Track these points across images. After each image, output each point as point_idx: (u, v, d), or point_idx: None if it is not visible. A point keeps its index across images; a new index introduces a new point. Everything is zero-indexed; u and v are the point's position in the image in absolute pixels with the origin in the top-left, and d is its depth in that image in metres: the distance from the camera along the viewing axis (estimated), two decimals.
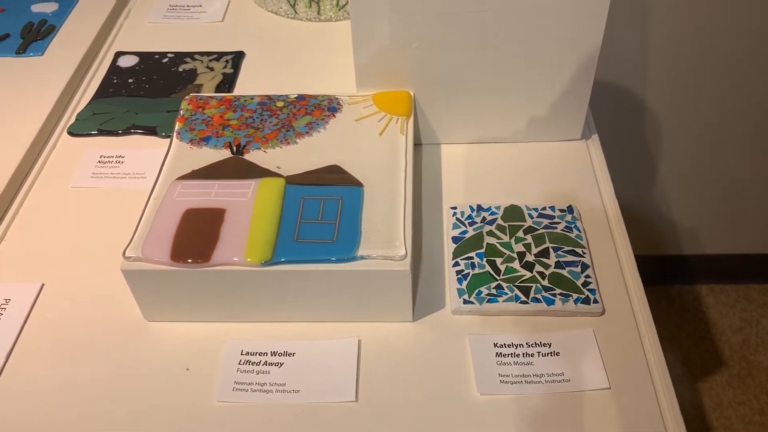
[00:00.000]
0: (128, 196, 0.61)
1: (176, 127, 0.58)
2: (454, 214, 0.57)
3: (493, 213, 0.57)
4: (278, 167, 0.54)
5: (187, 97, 0.61)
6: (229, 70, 0.74)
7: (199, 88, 0.72)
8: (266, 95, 0.60)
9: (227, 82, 0.72)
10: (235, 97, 0.60)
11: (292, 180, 0.52)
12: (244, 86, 0.72)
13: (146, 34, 0.81)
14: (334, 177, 0.52)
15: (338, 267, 0.47)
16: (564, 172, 0.62)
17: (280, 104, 0.59)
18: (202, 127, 0.57)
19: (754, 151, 1.33)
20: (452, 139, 0.64)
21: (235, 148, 0.55)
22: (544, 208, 0.57)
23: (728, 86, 1.22)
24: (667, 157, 1.35)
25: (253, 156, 0.55)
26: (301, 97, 0.60)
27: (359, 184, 0.52)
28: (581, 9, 0.55)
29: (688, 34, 1.13)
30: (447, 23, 0.56)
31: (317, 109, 0.59)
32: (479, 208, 0.57)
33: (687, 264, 1.59)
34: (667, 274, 1.62)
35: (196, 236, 0.48)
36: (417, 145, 0.65)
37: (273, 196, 0.51)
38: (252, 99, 0.60)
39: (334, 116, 0.58)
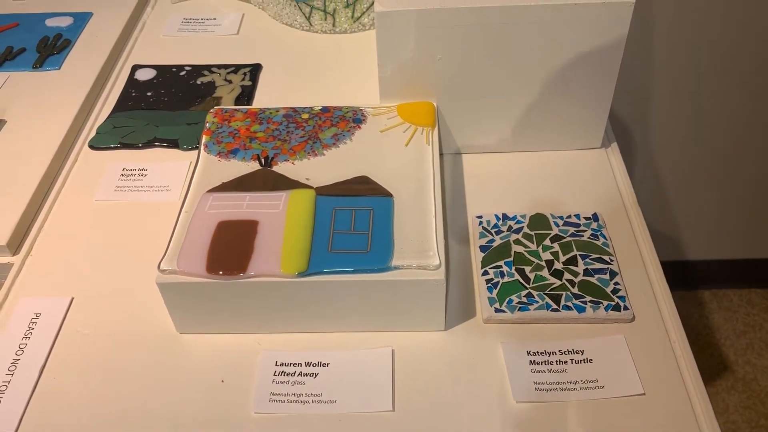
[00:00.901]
0: (153, 209, 0.61)
1: (203, 140, 0.58)
2: (480, 223, 0.58)
3: (518, 222, 0.57)
4: (307, 179, 0.54)
5: (212, 110, 0.61)
6: (247, 83, 0.75)
7: (218, 100, 0.72)
8: (291, 107, 0.61)
9: (246, 95, 0.73)
10: (260, 109, 0.61)
11: (322, 191, 0.53)
12: (263, 98, 0.73)
13: (162, 47, 0.81)
14: (363, 188, 0.53)
15: (374, 277, 0.47)
16: (586, 180, 0.62)
17: (305, 116, 0.60)
18: (229, 139, 0.58)
19: (757, 157, 1.35)
20: (474, 149, 0.65)
21: (263, 160, 0.56)
22: (569, 217, 0.58)
23: (739, 94, 1.24)
24: (671, 163, 1.37)
25: (282, 168, 0.55)
26: (325, 109, 0.60)
27: (389, 195, 0.52)
28: (603, 21, 0.55)
29: (701, 47, 1.14)
30: (470, 36, 0.56)
31: (342, 121, 0.59)
32: (504, 217, 0.58)
33: (689, 269, 1.60)
34: (669, 279, 1.63)
35: (231, 248, 0.49)
36: (440, 154, 0.65)
37: (305, 208, 0.51)
38: (277, 111, 0.60)
39: (359, 127, 0.59)
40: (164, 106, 0.72)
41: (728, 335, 1.55)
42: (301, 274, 0.47)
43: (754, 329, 1.55)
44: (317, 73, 0.76)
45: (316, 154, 0.56)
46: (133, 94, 0.74)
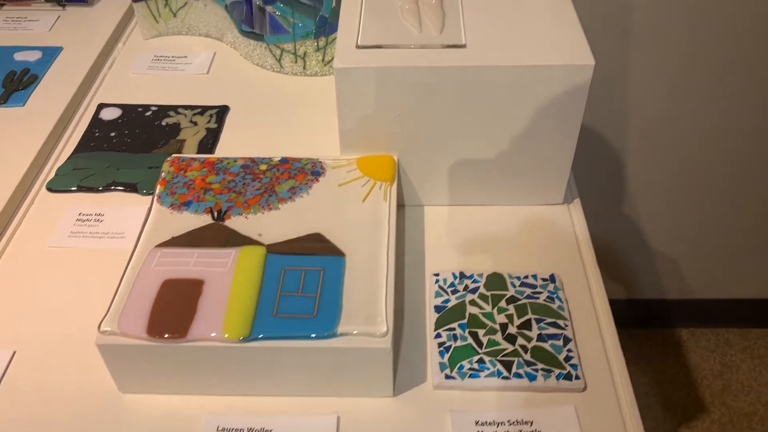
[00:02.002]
0: (106, 258, 0.60)
1: (157, 191, 0.57)
2: (437, 281, 0.57)
3: (475, 281, 0.57)
4: (260, 235, 0.53)
5: (169, 159, 0.60)
6: (213, 125, 0.74)
7: (182, 143, 0.71)
8: (249, 158, 0.60)
9: (211, 137, 0.72)
10: (218, 159, 0.60)
11: (273, 249, 0.52)
12: (227, 142, 0.72)
13: (130, 85, 0.81)
14: (315, 246, 0.52)
15: (318, 344, 0.46)
16: (546, 237, 0.62)
17: (263, 167, 0.59)
18: (183, 190, 0.57)
19: (734, 198, 1.35)
20: (436, 202, 0.64)
21: (216, 213, 0.55)
22: (526, 277, 0.57)
23: (710, 135, 1.24)
24: (649, 201, 1.37)
25: (235, 222, 0.54)
26: (284, 160, 0.60)
27: (341, 254, 0.52)
28: (563, 83, 0.55)
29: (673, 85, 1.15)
30: (430, 93, 0.56)
31: (300, 173, 0.58)
32: (462, 275, 0.57)
33: (668, 308, 1.60)
34: (648, 317, 1.62)
35: (174, 309, 0.48)
36: (400, 206, 0.65)
37: (253, 267, 0.50)
38: (235, 161, 0.60)
39: (317, 180, 0.58)
40: (127, 147, 0.71)
41: (705, 375, 1.54)
42: (244, 340, 0.46)
43: (731, 370, 1.55)
44: (285, 116, 0.76)
45: (270, 208, 0.55)
46: (97, 134, 0.73)
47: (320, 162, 0.60)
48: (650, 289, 1.56)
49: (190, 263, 0.51)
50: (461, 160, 0.61)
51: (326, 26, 0.77)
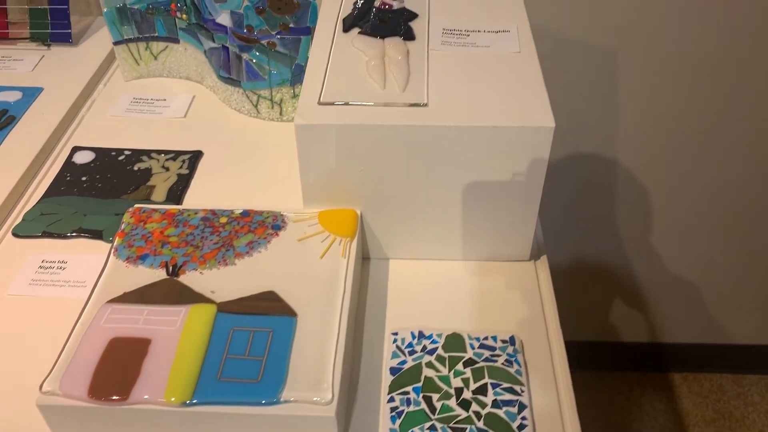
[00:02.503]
0: (64, 308, 0.59)
1: (115, 243, 0.57)
2: (395, 341, 0.56)
3: (434, 341, 0.56)
4: (213, 291, 0.53)
5: (130, 209, 0.60)
6: (184, 171, 0.74)
7: (151, 189, 0.71)
8: (211, 210, 0.60)
9: (181, 184, 0.72)
10: (179, 210, 0.60)
11: (224, 308, 0.51)
12: (197, 189, 0.72)
13: (107, 127, 0.81)
14: (267, 305, 0.51)
15: (260, 410, 0.45)
16: (510, 295, 0.61)
17: (223, 220, 0.59)
18: (141, 243, 0.57)
19: (726, 243, 1.34)
20: (400, 255, 0.64)
21: (171, 268, 0.54)
22: (486, 338, 0.56)
23: (702, 182, 1.24)
24: (643, 246, 1.36)
25: (189, 277, 0.54)
26: (245, 213, 0.59)
27: (293, 314, 0.51)
28: (524, 144, 0.55)
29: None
30: (391, 151, 0.56)
31: (261, 227, 0.58)
32: (421, 335, 0.56)
33: (660, 351, 1.58)
34: (641, 361, 1.60)
35: (118, 369, 0.47)
36: (366, 258, 0.64)
37: (202, 327, 0.49)
38: (196, 214, 0.59)
39: (277, 235, 0.58)
40: (96, 192, 0.71)
41: (697, 422, 1.51)
42: (185, 404, 0.45)
43: (723, 417, 1.52)
44: (259, 162, 0.76)
45: (226, 264, 0.55)
46: (68, 178, 0.73)
47: (282, 215, 0.59)
48: (643, 332, 1.54)
49: (139, 321, 0.50)
50: (425, 216, 0.60)
51: (302, 74, 0.77)
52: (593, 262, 1.39)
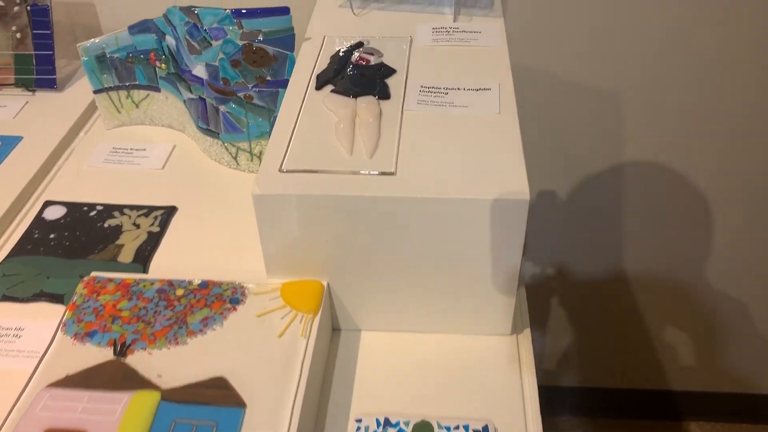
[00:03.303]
0: (15, 381, 0.56)
1: (64, 317, 0.54)
2: (358, 428, 0.52)
3: (401, 430, 0.51)
4: (159, 375, 0.49)
5: (85, 279, 0.57)
6: (155, 229, 0.71)
7: (119, 249, 0.68)
8: (168, 280, 0.57)
9: (150, 243, 0.69)
10: (135, 281, 0.57)
11: (169, 395, 0.48)
12: (165, 250, 0.68)
13: (82, 179, 0.78)
14: (215, 394, 0.48)
15: None
16: (488, 374, 0.56)
17: (179, 292, 0.55)
18: (91, 318, 0.53)
19: (741, 292, 1.28)
20: (372, 326, 0.60)
21: (118, 347, 0.51)
22: (457, 427, 0.51)
23: (711, 228, 1.18)
24: (655, 291, 1.30)
25: (137, 358, 0.50)
26: (203, 285, 0.56)
27: (241, 405, 0.47)
28: (497, 216, 0.51)
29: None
30: (356, 222, 0.52)
31: (218, 301, 0.55)
32: (387, 422, 0.52)
33: (676, 399, 1.51)
34: (655, 408, 1.53)
35: None
36: (336, 330, 0.60)
37: (142, 418, 0.46)
38: (152, 284, 0.56)
39: (235, 309, 0.54)
40: (63, 252, 0.68)
41: None
42: None
43: None
44: (233, 217, 0.72)
45: (178, 343, 0.51)
46: (36, 236, 0.70)
47: (242, 287, 0.56)
48: (657, 380, 1.48)
49: (77, 409, 0.47)
50: (396, 287, 0.56)
51: None
52: (601, 304, 1.34)
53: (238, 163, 0.78)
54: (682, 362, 1.43)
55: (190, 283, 0.56)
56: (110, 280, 0.57)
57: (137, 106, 0.85)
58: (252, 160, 0.78)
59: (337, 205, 0.52)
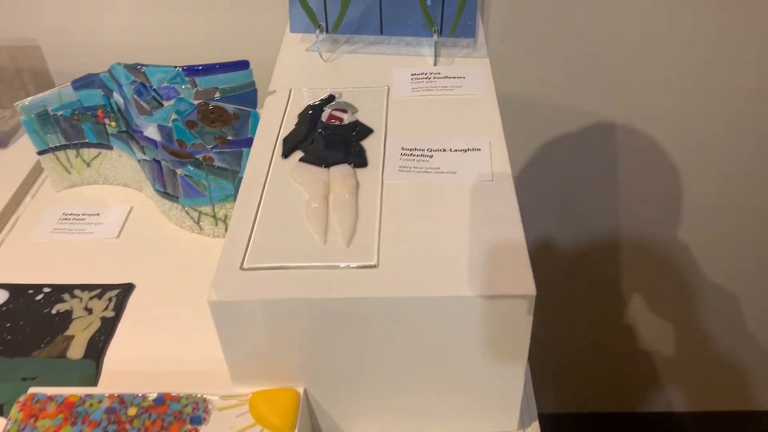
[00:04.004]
0: None
1: None
2: None
3: None
4: None
5: (21, 399, 0.49)
6: (109, 314, 0.63)
7: (69, 341, 0.60)
8: (119, 396, 0.48)
9: (105, 332, 0.61)
10: (80, 398, 0.48)
11: None
12: (121, 340, 0.60)
13: (28, 255, 0.70)
14: None
15: None
16: None
17: (132, 412, 0.47)
18: None
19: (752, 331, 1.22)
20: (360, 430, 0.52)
21: None
22: None
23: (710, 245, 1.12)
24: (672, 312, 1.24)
25: None
26: (160, 400, 0.48)
27: None
28: (499, 312, 0.43)
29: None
30: (333, 325, 0.44)
31: (177, 421, 0.47)
32: None
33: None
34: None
35: None
36: None
37: None
38: (100, 402, 0.48)
39: (196, 431, 0.46)
40: (4, 348, 0.59)
41: None
42: None
43: None
44: (196, 293, 0.64)
45: None
46: None
47: (205, 401, 0.48)
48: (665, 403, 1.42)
49: None
50: (385, 391, 0.49)
51: None
52: (611, 335, 1.27)
53: (201, 228, 0.70)
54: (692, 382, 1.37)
55: (144, 398, 0.48)
56: (51, 398, 0.49)
57: (88, 165, 0.77)
58: (216, 225, 0.70)
59: (311, 309, 0.44)
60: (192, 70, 0.59)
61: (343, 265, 0.45)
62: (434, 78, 0.62)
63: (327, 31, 0.66)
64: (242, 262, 0.46)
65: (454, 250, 0.45)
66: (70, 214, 0.75)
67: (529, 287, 0.43)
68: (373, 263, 0.45)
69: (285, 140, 0.56)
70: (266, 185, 0.52)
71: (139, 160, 0.71)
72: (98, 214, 0.74)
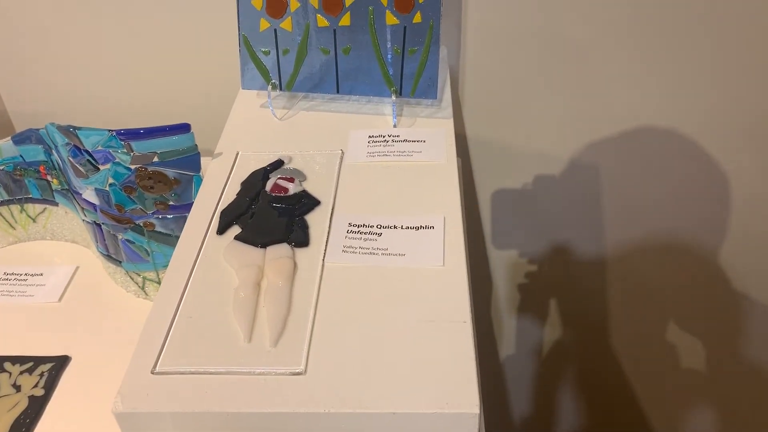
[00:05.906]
0: None
1: None
2: None
3: None
4: None
5: None
6: (39, 392, 0.58)
7: None
8: None
9: (31, 414, 0.56)
10: None
11: None
12: (48, 423, 0.55)
13: None
14: None
15: None
16: None
17: None
18: None
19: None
20: None
21: None
22: None
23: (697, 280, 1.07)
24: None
25: None
26: None
27: None
28: (441, 428, 0.38)
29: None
30: None
31: None
32: None
33: None
34: None
35: None
36: None
37: None
38: None
39: None
40: None
41: None
42: None
43: None
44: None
45: None
46: None
47: None
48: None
49: None
50: None
51: None
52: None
53: (146, 294, 0.66)
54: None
55: None
56: None
57: (34, 220, 0.72)
58: None
59: (227, 423, 0.39)
60: (128, 134, 0.55)
61: (266, 369, 0.40)
62: (392, 141, 0.58)
63: (281, 89, 0.62)
64: (155, 365, 0.41)
65: (392, 356, 0.40)
66: (12, 274, 0.70)
67: (473, 404, 0.38)
68: (299, 370, 0.40)
69: (223, 213, 0.52)
70: (195, 268, 0.47)
71: (83, 220, 0.67)
72: (41, 274, 0.70)
